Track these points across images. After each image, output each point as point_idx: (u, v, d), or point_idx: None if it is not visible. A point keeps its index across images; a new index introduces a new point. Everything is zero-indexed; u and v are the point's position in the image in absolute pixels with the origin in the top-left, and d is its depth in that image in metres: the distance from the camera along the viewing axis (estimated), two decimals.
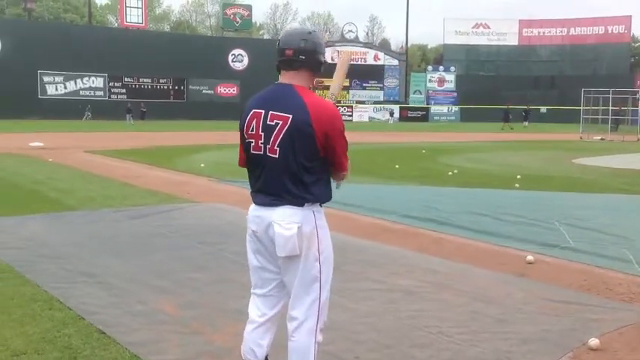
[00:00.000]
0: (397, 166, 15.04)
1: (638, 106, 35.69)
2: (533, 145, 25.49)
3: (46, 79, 46.74)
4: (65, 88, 47.58)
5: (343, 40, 61.17)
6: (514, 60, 65.11)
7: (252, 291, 3.02)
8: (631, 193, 10.98)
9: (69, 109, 44.14)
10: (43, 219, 7.70)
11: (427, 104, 62.05)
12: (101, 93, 48.76)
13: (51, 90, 47.03)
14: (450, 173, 13.48)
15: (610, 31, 63.70)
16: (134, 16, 52.64)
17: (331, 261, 2.91)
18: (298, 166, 2.73)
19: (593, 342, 3.77)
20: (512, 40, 65.86)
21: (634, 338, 3.98)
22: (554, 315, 4.40)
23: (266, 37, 79.23)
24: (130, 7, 52.37)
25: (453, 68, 63.48)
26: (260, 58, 52.45)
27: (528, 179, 12.50)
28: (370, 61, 61.35)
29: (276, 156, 2.74)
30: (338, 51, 58.09)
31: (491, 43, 65.60)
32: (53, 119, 40.43)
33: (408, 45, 67.54)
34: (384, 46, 72.36)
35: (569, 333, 4.06)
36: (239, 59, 54.35)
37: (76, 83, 47.94)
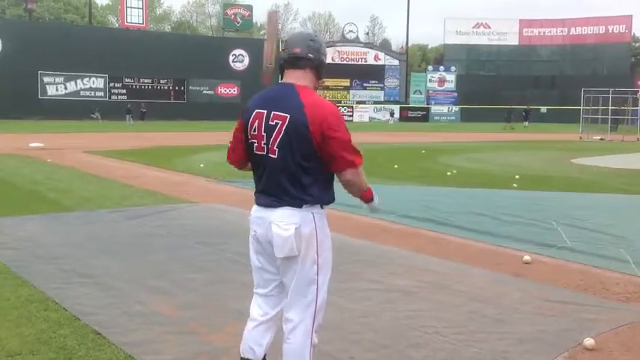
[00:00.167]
0: (396, 166, 15.06)
1: (638, 106, 35.68)
2: (533, 145, 25.49)
3: (46, 79, 46.72)
4: (65, 88, 47.55)
5: (344, 40, 61.16)
6: (514, 60, 65.08)
7: (254, 290, 3.03)
8: (630, 193, 10.99)
9: (69, 110, 44.15)
10: (41, 219, 7.70)
11: (427, 104, 62.05)
12: (101, 93, 48.74)
13: (51, 90, 47.01)
14: (449, 173, 13.49)
15: (610, 31, 63.66)
16: (135, 17, 52.62)
17: (330, 264, 2.91)
18: (296, 166, 2.73)
19: (589, 342, 3.77)
20: (513, 40, 65.84)
21: (629, 338, 3.98)
22: (551, 315, 4.40)
23: None
24: (131, 7, 52.35)
25: (453, 68, 63.48)
26: (261, 59, 52.52)
27: (527, 179, 12.50)
28: (371, 61, 61.34)
29: (275, 156, 2.76)
30: (338, 51, 58.26)
31: (492, 43, 65.58)
32: (53, 120, 40.47)
33: (409, 45, 67.60)
34: (385, 46, 72.36)
35: (565, 333, 4.06)
36: (240, 59, 54.33)
37: (76, 84, 47.92)
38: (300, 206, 2.76)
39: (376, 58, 61.99)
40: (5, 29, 45.95)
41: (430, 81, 63.18)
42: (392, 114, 57.30)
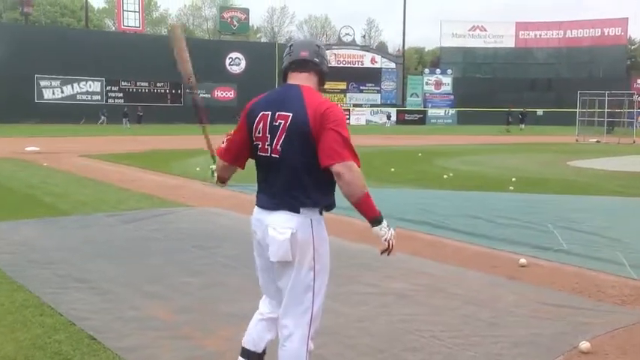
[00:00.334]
0: (393, 169, 15.06)
1: (634, 108, 35.76)
2: (530, 148, 25.52)
3: (42, 83, 46.67)
4: (62, 92, 47.51)
5: (340, 43, 61.20)
6: (511, 62, 65.18)
7: (261, 289, 3.07)
8: (625, 196, 11.00)
9: (66, 114, 44.07)
10: (36, 224, 7.69)
11: (424, 107, 62.06)
12: (98, 97, 48.71)
13: (48, 94, 46.96)
14: (446, 176, 13.50)
15: (606, 34, 63.78)
16: (131, 20, 52.59)
17: (327, 271, 2.90)
18: (298, 165, 2.74)
19: (584, 345, 3.77)
20: (509, 43, 65.93)
21: (625, 341, 3.99)
22: (546, 318, 4.40)
23: (263, 40, 79.29)
24: (127, 10, 52.35)
25: (449, 71, 63.52)
26: (257, 62, 52.52)
27: (524, 182, 12.52)
28: (367, 64, 61.38)
29: (278, 156, 2.77)
30: (335, 54, 58.26)
31: (488, 46, 65.66)
32: (50, 124, 40.39)
33: (405, 48, 67.55)
34: (381, 49, 72.35)
35: (560, 336, 4.06)
36: (236, 62, 54.34)
37: (72, 87, 47.88)
38: (298, 210, 2.76)
39: (373, 61, 62.03)
40: (1, 33, 45.88)
41: (427, 84, 63.22)
42: (389, 117, 57.34)
